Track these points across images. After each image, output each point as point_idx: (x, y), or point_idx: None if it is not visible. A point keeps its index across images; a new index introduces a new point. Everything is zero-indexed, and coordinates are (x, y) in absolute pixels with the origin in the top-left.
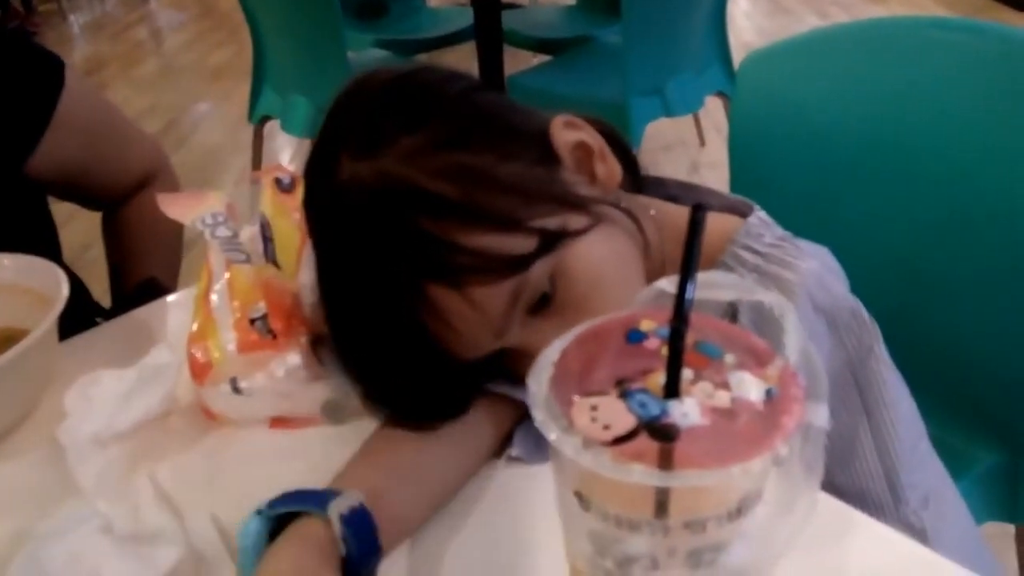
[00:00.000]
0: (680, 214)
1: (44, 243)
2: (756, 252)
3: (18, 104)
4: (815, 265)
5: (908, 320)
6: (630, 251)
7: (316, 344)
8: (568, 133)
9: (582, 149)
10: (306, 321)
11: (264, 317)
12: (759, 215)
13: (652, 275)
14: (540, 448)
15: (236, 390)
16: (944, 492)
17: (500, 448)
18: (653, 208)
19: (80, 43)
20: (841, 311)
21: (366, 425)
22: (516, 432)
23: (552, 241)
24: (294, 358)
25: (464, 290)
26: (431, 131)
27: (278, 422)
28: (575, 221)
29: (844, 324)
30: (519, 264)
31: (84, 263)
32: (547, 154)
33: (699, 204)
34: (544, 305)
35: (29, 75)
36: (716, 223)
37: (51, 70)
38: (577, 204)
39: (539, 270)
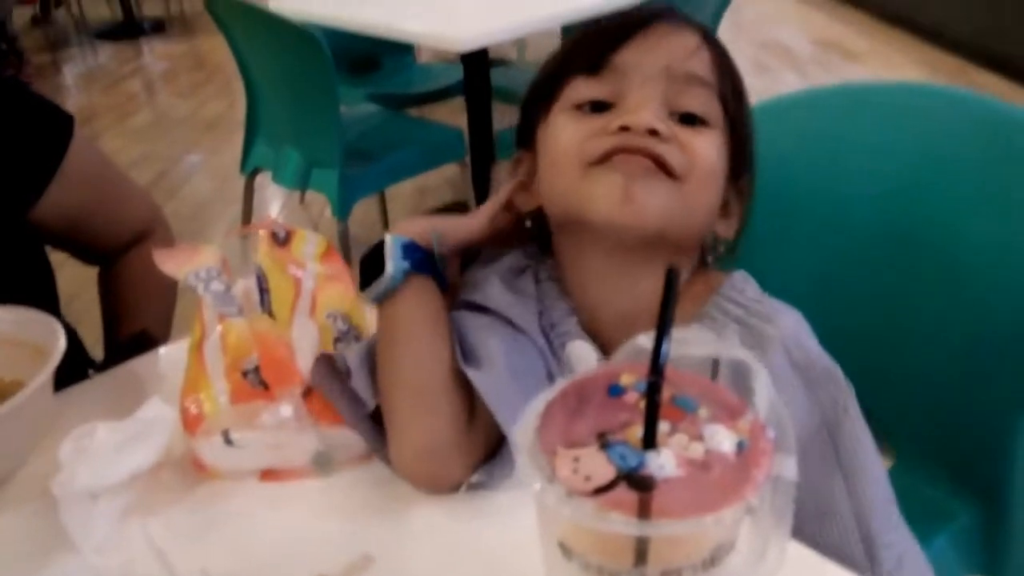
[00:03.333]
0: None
1: (42, 292)
2: (739, 304)
3: (27, 153)
4: (792, 323)
5: (886, 374)
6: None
7: (307, 395)
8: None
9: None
10: (298, 373)
11: (256, 369)
12: (742, 272)
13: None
14: (501, 471)
15: (228, 442)
16: (916, 555)
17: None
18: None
19: (73, 94)
20: (817, 369)
21: (356, 476)
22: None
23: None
24: (286, 409)
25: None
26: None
27: (268, 474)
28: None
29: (819, 382)
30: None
31: (72, 312)
32: None
33: (672, 266)
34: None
35: (39, 127)
36: (703, 275)
37: (61, 123)
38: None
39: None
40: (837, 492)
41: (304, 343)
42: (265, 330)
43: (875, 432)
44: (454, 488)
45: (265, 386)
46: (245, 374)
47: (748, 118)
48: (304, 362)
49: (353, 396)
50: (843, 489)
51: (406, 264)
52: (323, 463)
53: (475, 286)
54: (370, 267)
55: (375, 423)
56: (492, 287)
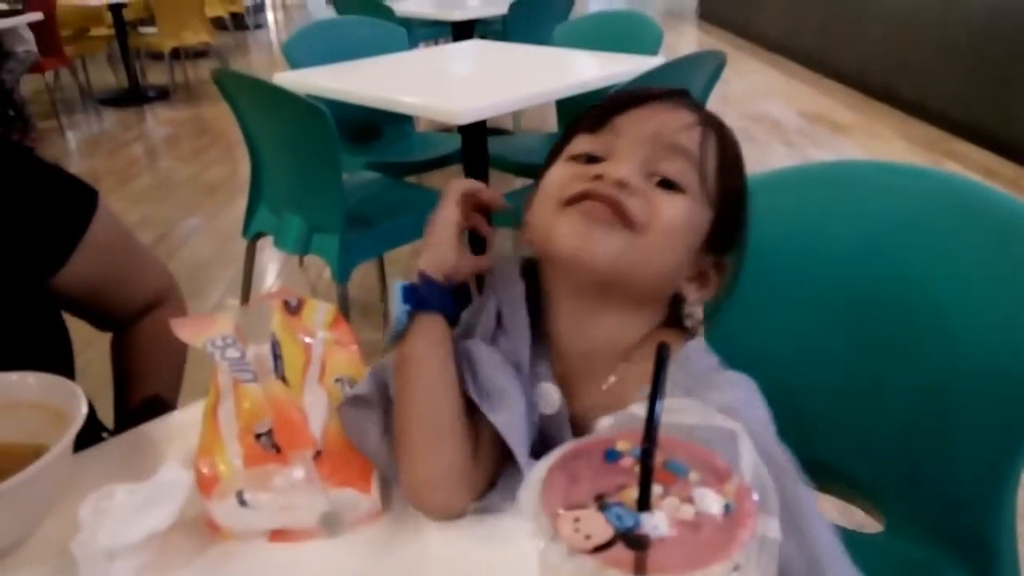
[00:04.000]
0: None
1: (58, 357)
2: (690, 374)
3: (52, 223)
4: (741, 394)
5: (872, 435)
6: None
7: (318, 458)
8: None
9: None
10: (310, 436)
11: (269, 432)
12: (699, 340)
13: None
14: (502, 497)
15: (242, 503)
16: None
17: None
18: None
19: (76, 158)
20: (763, 439)
21: (363, 538)
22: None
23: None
24: (298, 472)
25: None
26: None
27: (278, 535)
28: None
29: (767, 452)
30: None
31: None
32: None
33: (663, 343)
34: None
35: (65, 199)
36: (662, 336)
37: (86, 195)
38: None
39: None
40: (792, 551)
41: (316, 408)
42: (279, 395)
43: (863, 498)
44: (460, 515)
45: (277, 449)
46: (258, 437)
47: (741, 201)
48: (316, 426)
49: (379, 428)
50: (795, 546)
51: (407, 307)
52: (331, 523)
53: (475, 314)
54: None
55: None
56: (490, 321)
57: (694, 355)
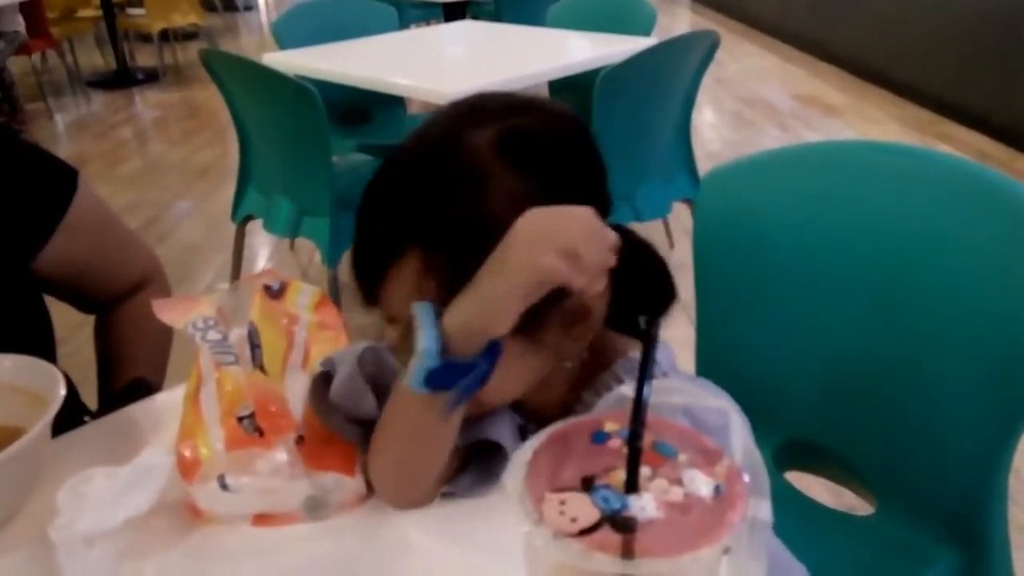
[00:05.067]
0: (616, 339)
1: (40, 340)
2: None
3: (32, 205)
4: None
5: (863, 421)
6: (535, 374)
7: (300, 442)
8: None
9: (581, 310)
10: (292, 420)
11: (252, 416)
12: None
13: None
14: (476, 485)
15: (224, 487)
16: None
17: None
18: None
19: (64, 141)
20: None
21: (347, 522)
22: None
23: None
24: (280, 455)
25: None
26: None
27: (261, 519)
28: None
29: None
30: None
31: (60, 358)
32: None
33: (651, 323)
34: None
35: (44, 179)
36: (617, 340)
37: (66, 176)
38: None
39: None
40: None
41: (297, 393)
42: (259, 379)
43: (854, 480)
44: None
45: (260, 432)
46: (240, 420)
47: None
48: (297, 410)
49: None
50: None
51: (425, 388)
52: (314, 508)
53: None
54: None
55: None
56: None
57: (630, 366)
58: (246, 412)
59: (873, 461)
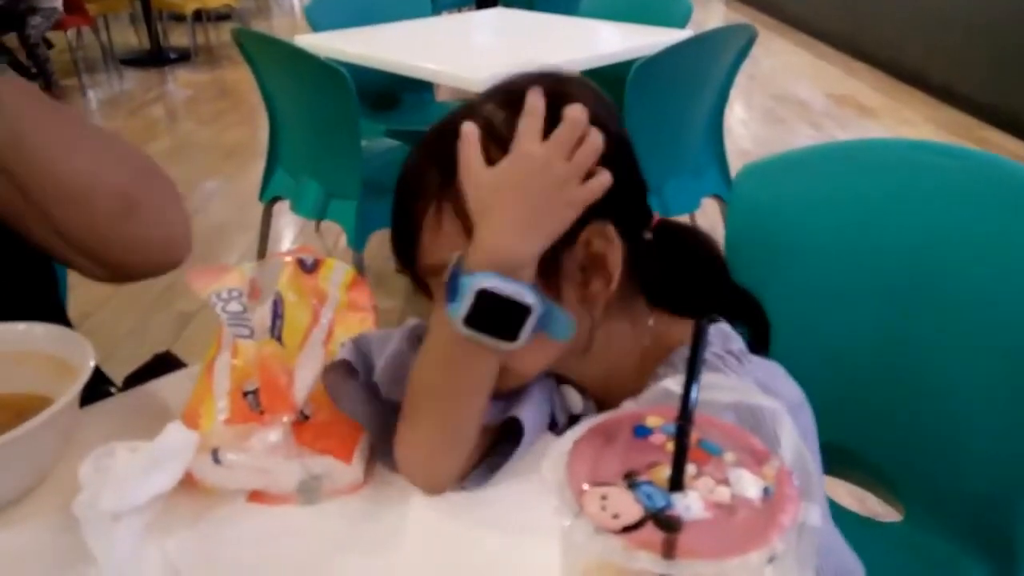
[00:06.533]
0: (676, 329)
1: (49, 308)
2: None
3: None
4: (750, 382)
5: (893, 428)
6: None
7: (296, 425)
8: (597, 240)
9: (595, 259)
10: (292, 402)
11: (256, 392)
12: (718, 325)
13: (591, 377)
14: (486, 476)
15: (216, 460)
16: None
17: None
18: (650, 320)
19: (96, 118)
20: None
21: (372, 506)
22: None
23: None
24: (275, 435)
25: (443, 214)
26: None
27: (256, 496)
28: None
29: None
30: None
31: (84, 332)
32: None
33: (703, 315)
34: None
35: None
36: (679, 328)
37: None
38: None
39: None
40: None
41: (306, 372)
42: (269, 354)
43: (881, 486)
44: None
45: (261, 410)
46: (245, 395)
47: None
48: (303, 390)
49: (363, 395)
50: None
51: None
52: (307, 491)
53: None
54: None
55: (380, 421)
56: None
57: (715, 339)
58: (252, 387)
59: (901, 467)
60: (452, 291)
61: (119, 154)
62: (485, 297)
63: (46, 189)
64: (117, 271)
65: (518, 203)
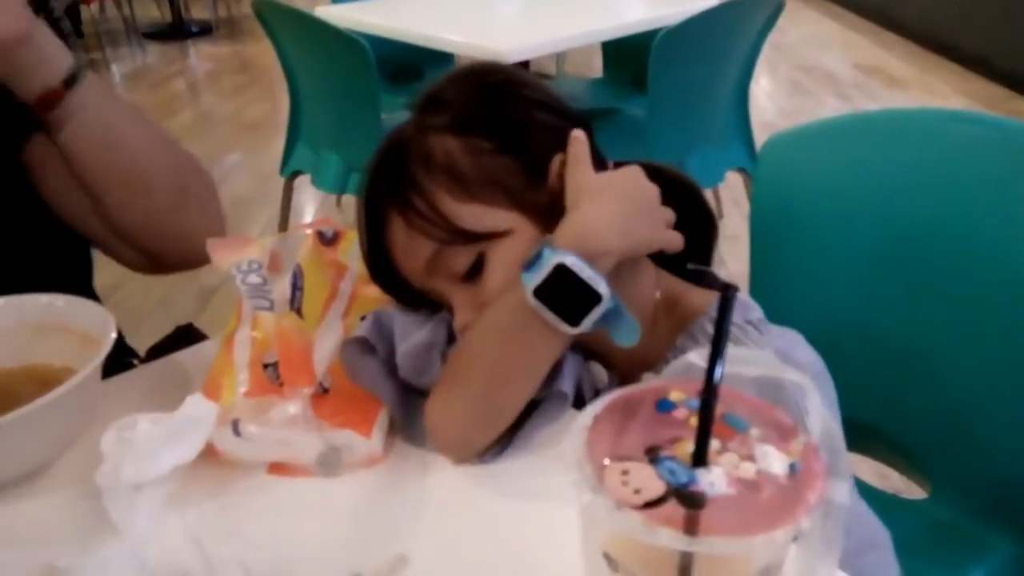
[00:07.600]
0: (696, 295)
1: (78, 282)
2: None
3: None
4: (770, 352)
5: (924, 401)
6: None
7: (316, 398)
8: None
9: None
10: (312, 374)
11: (275, 364)
12: (738, 296)
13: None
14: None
15: (236, 433)
16: None
17: None
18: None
19: (120, 92)
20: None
21: (392, 478)
22: None
23: (474, 237)
24: (295, 407)
25: (406, 218)
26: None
27: (276, 467)
28: (510, 222)
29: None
30: (448, 233)
31: (111, 305)
32: (537, 169)
33: (728, 286)
34: (473, 277)
35: None
36: (696, 297)
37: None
38: (528, 208)
39: (455, 251)
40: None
41: (326, 343)
42: (289, 327)
43: (906, 462)
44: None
45: (281, 382)
46: (265, 367)
47: (519, 129)
48: (322, 362)
49: (382, 371)
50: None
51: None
52: (327, 464)
53: None
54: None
55: (400, 397)
56: None
57: (735, 309)
58: (272, 360)
59: (927, 443)
60: (532, 261)
61: (175, 149)
62: (561, 272)
63: (115, 178)
64: (158, 260)
65: (619, 202)
